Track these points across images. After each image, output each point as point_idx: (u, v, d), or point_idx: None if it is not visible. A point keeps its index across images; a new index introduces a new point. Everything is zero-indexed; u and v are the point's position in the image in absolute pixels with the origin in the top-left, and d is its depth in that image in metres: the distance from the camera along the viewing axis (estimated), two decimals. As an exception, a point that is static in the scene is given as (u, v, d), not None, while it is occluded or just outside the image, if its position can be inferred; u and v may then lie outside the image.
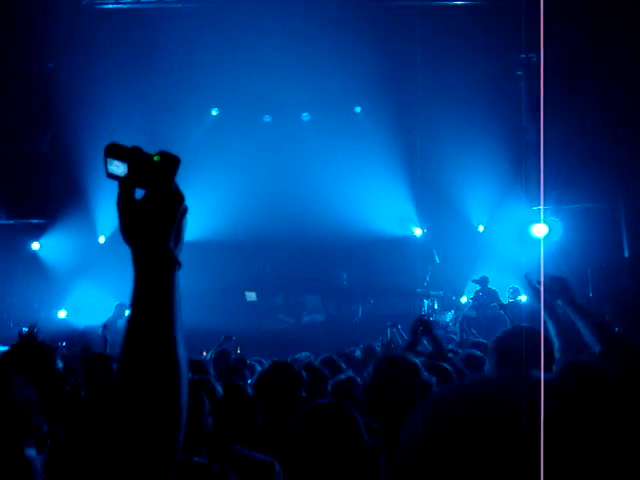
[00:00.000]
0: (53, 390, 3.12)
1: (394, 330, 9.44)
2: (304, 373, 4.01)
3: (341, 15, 13.64)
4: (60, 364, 3.26)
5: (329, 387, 4.34)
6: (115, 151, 1.36)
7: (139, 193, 1.35)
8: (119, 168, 1.35)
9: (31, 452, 1.53)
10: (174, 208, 1.33)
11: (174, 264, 1.31)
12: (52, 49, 13.52)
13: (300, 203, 14.83)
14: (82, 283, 14.92)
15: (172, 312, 1.28)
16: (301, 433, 2.28)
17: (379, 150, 15.28)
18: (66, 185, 14.28)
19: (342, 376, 4.49)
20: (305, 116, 15.89)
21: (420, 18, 13.63)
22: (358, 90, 15.14)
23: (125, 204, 1.33)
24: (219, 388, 3.37)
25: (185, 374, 1.27)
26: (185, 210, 1.35)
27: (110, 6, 13.23)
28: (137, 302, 1.28)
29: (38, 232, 14.55)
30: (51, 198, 13.95)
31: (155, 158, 1.33)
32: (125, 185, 1.33)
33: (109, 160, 1.36)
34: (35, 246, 14.73)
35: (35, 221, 13.99)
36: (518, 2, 12.46)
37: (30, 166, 13.66)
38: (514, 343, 2.95)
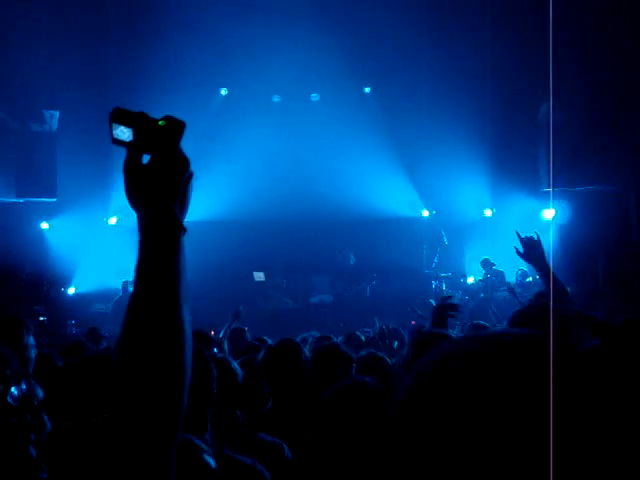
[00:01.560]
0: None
1: (416, 315, 9.49)
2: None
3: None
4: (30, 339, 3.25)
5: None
6: (120, 116, 1.35)
7: (145, 160, 1.35)
8: (124, 133, 1.35)
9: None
10: (179, 172, 1.33)
11: (179, 228, 1.31)
12: (61, 27, 13.46)
13: (308, 183, 14.83)
14: (91, 262, 14.98)
15: (177, 275, 1.28)
16: (342, 412, 2.19)
17: (388, 131, 15.23)
18: (76, 164, 14.26)
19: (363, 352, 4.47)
20: (314, 96, 15.82)
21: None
22: (367, 71, 15.09)
23: (131, 169, 1.33)
24: (236, 365, 3.33)
25: (189, 338, 1.27)
26: (190, 175, 1.35)
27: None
28: (142, 265, 1.29)
29: (47, 211, 14.58)
30: (60, 177, 13.94)
31: (160, 123, 1.33)
32: (131, 150, 1.33)
33: (114, 125, 1.35)
34: (44, 225, 14.76)
35: (44, 200, 13.99)
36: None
37: (39, 145, 13.65)
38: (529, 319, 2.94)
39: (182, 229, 1.32)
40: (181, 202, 1.34)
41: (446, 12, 13.55)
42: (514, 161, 14.64)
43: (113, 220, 15.52)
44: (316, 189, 14.77)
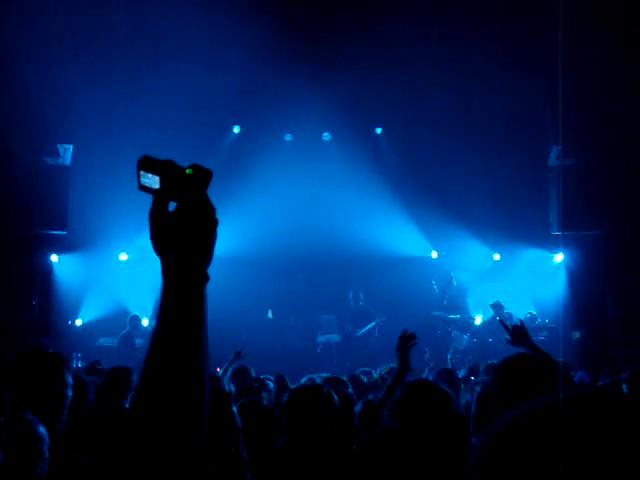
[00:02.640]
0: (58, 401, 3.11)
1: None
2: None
3: (363, 34, 13.68)
4: (69, 378, 3.25)
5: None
6: (148, 164, 1.36)
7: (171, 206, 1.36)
8: (152, 181, 1.36)
9: None
10: (206, 221, 1.34)
11: (203, 278, 1.31)
12: (75, 62, 13.62)
13: (317, 222, 14.83)
14: (98, 296, 15.00)
15: (200, 326, 1.28)
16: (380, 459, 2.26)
17: (398, 172, 15.29)
18: (87, 199, 14.36)
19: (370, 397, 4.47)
20: (326, 136, 15.93)
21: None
22: (379, 111, 15.18)
23: (157, 217, 1.34)
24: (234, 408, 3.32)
25: (209, 392, 1.27)
26: (216, 223, 1.36)
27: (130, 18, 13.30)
28: (165, 315, 1.28)
29: (58, 244, 14.63)
30: (71, 211, 14.03)
31: (187, 171, 1.34)
32: (158, 198, 1.34)
33: (142, 173, 1.36)
34: (54, 258, 14.82)
35: (55, 232, 14.07)
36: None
37: (53, 178, 13.77)
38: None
39: (206, 278, 1.32)
40: (205, 250, 1.34)
41: (456, 54, 13.65)
42: (523, 204, 14.64)
43: (124, 256, 15.56)
44: (325, 228, 14.78)
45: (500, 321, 4.89)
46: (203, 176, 1.34)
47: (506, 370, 3.00)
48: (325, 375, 7.16)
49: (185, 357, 1.25)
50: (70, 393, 3.26)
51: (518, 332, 4.65)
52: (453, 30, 13.26)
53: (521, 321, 4.66)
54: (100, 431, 3.59)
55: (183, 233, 1.31)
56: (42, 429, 2.41)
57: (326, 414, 3.45)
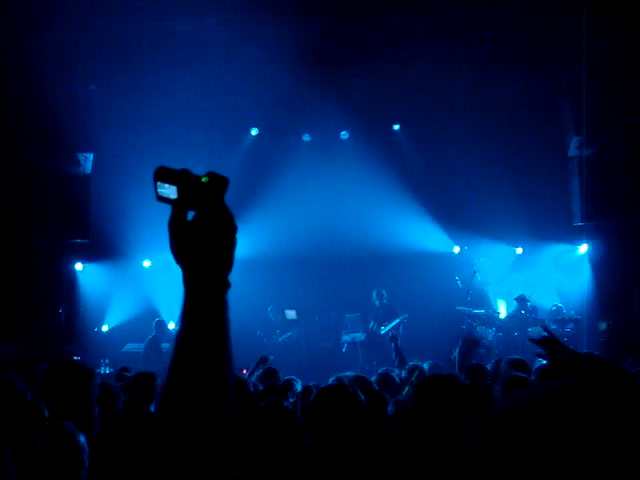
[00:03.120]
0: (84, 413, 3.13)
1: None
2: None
3: (379, 32, 13.66)
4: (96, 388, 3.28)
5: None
6: (164, 174, 1.38)
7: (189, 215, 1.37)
8: (169, 191, 1.37)
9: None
10: (224, 228, 1.34)
11: (225, 285, 1.33)
12: (95, 70, 13.75)
13: (339, 220, 14.83)
14: (123, 303, 15.12)
15: (223, 333, 1.30)
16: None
17: (418, 168, 15.25)
18: (108, 207, 14.46)
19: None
20: (344, 134, 15.91)
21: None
22: (397, 108, 15.15)
23: (176, 226, 1.35)
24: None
25: (234, 397, 1.29)
26: (235, 230, 1.36)
27: (151, 24, 13.36)
28: (188, 323, 1.30)
29: (81, 253, 14.74)
30: (93, 220, 14.13)
31: (203, 179, 1.35)
32: (176, 208, 1.35)
33: (159, 184, 1.38)
34: (78, 267, 14.93)
35: (77, 241, 14.18)
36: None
37: (74, 187, 13.88)
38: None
39: (227, 285, 1.33)
40: (226, 258, 1.35)
41: (476, 47, 13.58)
42: (544, 196, 14.54)
43: (147, 263, 15.66)
44: (346, 226, 14.77)
45: (530, 339, 4.36)
46: (219, 183, 1.35)
47: None
48: (350, 374, 7.14)
49: (209, 364, 1.26)
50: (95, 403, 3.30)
51: (549, 342, 4.09)
52: (469, 20, 13.20)
53: (548, 331, 4.24)
54: (129, 436, 3.61)
55: (203, 242, 1.32)
56: (82, 439, 2.45)
57: (352, 414, 3.43)
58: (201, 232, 1.33)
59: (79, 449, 2.39)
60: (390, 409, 4.54)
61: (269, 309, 14.65)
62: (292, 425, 3.98)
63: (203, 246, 1.32)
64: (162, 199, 1.39)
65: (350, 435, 3.31)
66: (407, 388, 6.75)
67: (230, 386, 1.27)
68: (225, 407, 1.26)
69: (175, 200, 1.37)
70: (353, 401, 3.48)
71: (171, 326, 14.63)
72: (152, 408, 5.08)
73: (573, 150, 14.33)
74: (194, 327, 1.29)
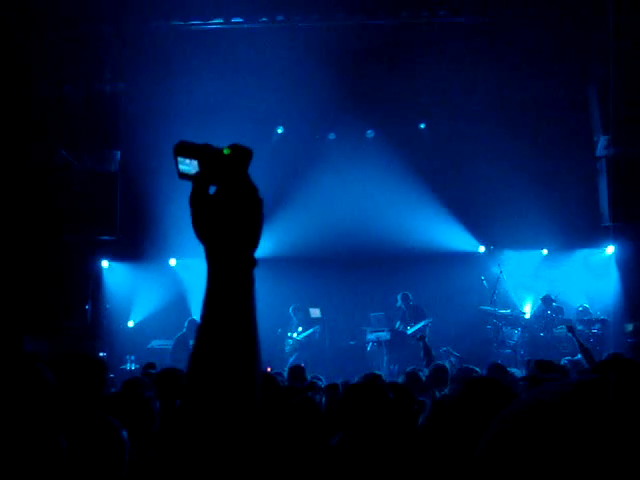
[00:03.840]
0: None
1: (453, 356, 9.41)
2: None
3: (405, 31, 13.65)
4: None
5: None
6: (185, 149, 1.33)
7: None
8: (190, 166, 1.32)
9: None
10: (248, 202, 1.28)
11: (251, 262, 1.26)
12: (123, 69, 13.87)
13: (364, 220, 14.81)
14: (148, 300, 15.22)
15: (250, 313, 1.23)
16: None
17: (443, 167, 15.16)
18: (136, 204, 14.58)
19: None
20: (369, 133, 15.88)
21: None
22: (423, 106, 15.11)
23: (197, 201, 1.29)
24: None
25: (260, 384, 1.23)
26: (260, 203, 1.30)
27: (179, 22, 13.47)
28: (213, 303, 1.24)
29: (107, 251, 14.85)
30: (120, 217, 14.23)
31: (225, 151, 1.29)
32: (198, 181, 1.29)
33: (179, 159, 1.33)
34: (104, 264, 15.05)
35: (104, 238, 14.28)
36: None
37: (100, 185, 13.99)
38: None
39: (254, 263, 1.27)
40: (252, 233, 1.28)
41: (500, 45, 13.52)
42: (571, 196, 14.41)
43: (173, 261, 15.74)
44: (371, 225, 14.76)
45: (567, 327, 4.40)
46: (243, 155, 1.30)
47: None
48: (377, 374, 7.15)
49: (236, 346, 1.20)
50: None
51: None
52: (496, 19, 13.15)
53: (572, 332, 4.24)
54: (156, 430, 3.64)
55: (226, 217, 1.25)
56: (125, 433, 2.46)
57: (381, 409, 3.42)
58: (224, 207, 1.26)
59: (124, 443, 2.41)
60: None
61: (291, 309, 14.66)
62: (321, 421, 3.99)
63: (227, 221, 1.25)
64: (184, 176, 1.33)
65: (379, 431, 3.30)
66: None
67: (258, 372, 1.22)
68: (252, 395, 1.20)
69: (196, 175, 1.31)
70: (382, 397, 3.48)
71: (196, 323, 14.77)
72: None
73: (601, 150, 14.19)
74: (219, 307, 1.22)
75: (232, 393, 1.18)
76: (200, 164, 1.31)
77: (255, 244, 1.29)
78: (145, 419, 3.26)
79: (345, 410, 3.41)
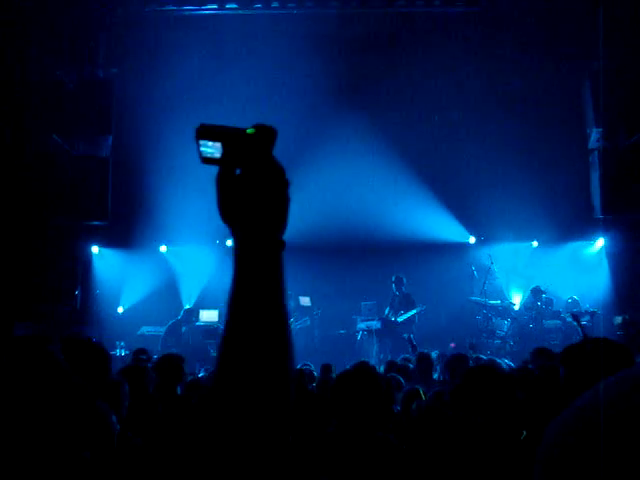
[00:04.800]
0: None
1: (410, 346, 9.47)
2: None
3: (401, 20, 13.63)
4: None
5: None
6: (206, 132, 1.28)
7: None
8: (213, 149, 1.28)
9: None
10: (275, 183, 1.26)
11: (280, 245, 1.25)
12: (116, 54, 13.81)
13: (356, 208, 14.81)
14: (138, 287, 15.19)
15: (282, 295, 1.21)
16: None
17: (435, 159, 15.15)
18: (127, 189, 14.54)
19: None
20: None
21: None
22: (415, 96, 15.05)
23: (224, 184, 1.25)
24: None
25: (294, 370, 1.21)
26: (287, 184, 1.28)
27: (172, 8, 13.40)
28: (243, 287, 1.21)
29: (97, 236, 14.81)
30: (111, 202, 14.19)
31: (249, 131, 1.26)
32: (224, 164, 1.26)
33: (201, 142, 1.28)
34: (94, 249, 15.01)
35: (95, 223, 14.24)
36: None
37: (91, 170, 13.94)
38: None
39: (282, 245, 1.26)
40: (280, 215, 1.27)
41: (494, 37, 13.53)
42: (563, 189, 14.44)
43: (163, 248, 15.71)
44: (364, 214, 14.76)
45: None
46: (267, 135, 1.26)
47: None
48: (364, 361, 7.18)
49: (267, 330, 1.17)
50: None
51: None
52: (491, 10, 13.15)
53: (577, 320, 4.22)
54: (157, 416, 3.64)
55: (253, 199, 1.23)
56: (114, 418, 2.46)
57: (375, 396, 3.43)
58: (251, 188, 1.23)
59: (111, 429, 2.41)
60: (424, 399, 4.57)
61: (307, 299, 14.64)
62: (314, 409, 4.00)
63: (254, 203, 1.23)
64: (207, 160, 1.28)
65: (374, 418, 3.31)
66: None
67: (292, 358, 1.19)
68: (286, 384, 1.17)
69: (220, 159, 1.27)
70: (375, 383, 3.48)
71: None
72: (179, 390, 5.12)
73: (593, 142, 14.23)
74: (249, 292, 1.19)
75: (266, 382, 1.16)
76: (224, 146, 1.27)
77: (283, 226, 1.27)
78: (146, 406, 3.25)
79: (338, 397, 3.42)
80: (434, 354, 7.82)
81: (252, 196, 1.23)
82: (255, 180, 1.24)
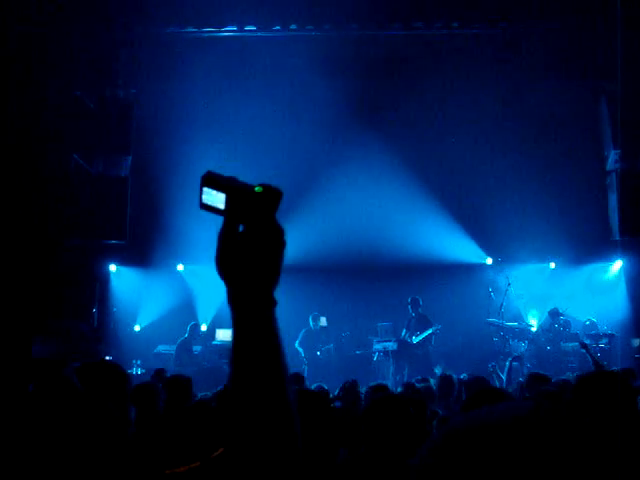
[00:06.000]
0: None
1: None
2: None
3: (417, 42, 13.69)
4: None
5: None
6: (213, 181, 1.28)
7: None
8: (215, 199, 1.28)
9: None
10: (275, 245, 1.28)
11: (271, 303, 1.27)
12: (136, 75, 13.94)
13: (373, 230, 14.82)
14: (155, 305, 15.25)
15: (278, 351, 1.26)
16: None
17: (452, 180, 15.14)
18: (145, 209, 14.65)
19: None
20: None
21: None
22: (432, 117, 15.07)
23: (227, 239, 1.27)
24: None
25: (295, 411, 1.25)
26: (284, 246, 1.30)
27: (192, 30, 13.53)
28: (240, 344, 1.25)
29: (115, 255, 14.90)
30: (130, 222, 14.28)
31: (257, 189, 1.26)
32: (229, 219, 1.27)
33: (206, 189, 1.28)
34: (112, 268, 15.10)
35: (113, 242, 14.33)
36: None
37: (111, 189, 14.06)
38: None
39: (274, 303, 1.28)
40: (274, 274, 1.29)
41: (512, 58, 13.57)
42: (581, 210, 14.39)
43: (180, 267, 15.78)
44: (380, 236, 14.77)
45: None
46: (273, 196, 1.26)
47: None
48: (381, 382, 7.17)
49: (267, 388, 1.22)
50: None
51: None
52: (504, 28, 13.18)
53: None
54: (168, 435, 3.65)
55: (252, 257, 1.25)
56: None
57: (406, 424, 3.44)
58: (251, 247, 1.25)
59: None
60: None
61: (310, 318, 14.60)
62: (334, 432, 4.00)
63: (252, 263, 1.25)
64: (206, 207, 1.29)
65: (404, 444, 3.32)
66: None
67: (289, 401, 1.23)
68: (288, 425, 1.22)
69: (225, 210, 1.27)
70: (406, 411, 3.49)
71: (203, 328, 14.83)
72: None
73: (611, 164, 14.19)
74: (245, 349, 1.24)
75: (267, 428, 1.20)
76: (228, 199, 1.27)
77: (275, 285, 1.30)
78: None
79: (370, 423, 3.43)
80: (461, 376, 7.79)
81: (253, 256, 1.25)
82: (257, 240, 1.26)
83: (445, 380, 7.18)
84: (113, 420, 1.49)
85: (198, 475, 1.87)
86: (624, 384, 3.00)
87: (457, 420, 0.92)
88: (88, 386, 3.05)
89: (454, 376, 7.50)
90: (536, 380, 6.18)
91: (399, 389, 7.83)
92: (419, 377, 8.83)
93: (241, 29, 13.32)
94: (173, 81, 13.93)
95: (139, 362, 13.03)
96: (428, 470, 0.87)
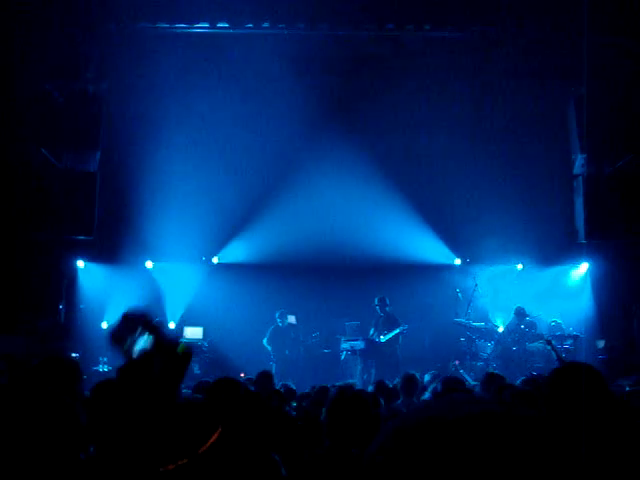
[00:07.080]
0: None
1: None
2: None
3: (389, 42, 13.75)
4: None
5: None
6: (146, 324, 1.47)
7: None
8: (142, 340, 1.45)
9: None
10: (177, 390, 1.47)
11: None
12: (106, 69, 13.85)
13: (341, 229, 14.85)
14: (125, 302, 15.13)
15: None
16: None
17: (421, 180, 15.21)
18: (114, 204, 14.53)
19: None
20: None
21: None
22: (401, 119, 15.12)
23: (139, 374, 1.48)
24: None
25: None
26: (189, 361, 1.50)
27: (164, 25, 13.46)
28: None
29: (83, 251, 14.76)
30: (98, 217, 14.17)
31: (179, 349, 1.46)
32: (147, 359, 1.47)
33: (141, 329, 1.47)
34: (79, 264, 14.96)
35: (80, 238, 14.20)
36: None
37: (78, 184, 13.92)
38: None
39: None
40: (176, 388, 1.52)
41: (481, 62, 13.70)
42: (548, 213, 14.57)
43: (149, 264, 15.65)
44: (349, 235, 14.79)
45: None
46: (189, 358, 1.46)
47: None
48: (351, 382, 7.21)
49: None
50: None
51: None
52: (479, 34, 13.29)
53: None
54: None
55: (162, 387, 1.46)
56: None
57: (369, 419, 3.49)
58: (162, 384, 1.45)
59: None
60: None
61: (277, 315, 14.57)
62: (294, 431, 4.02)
63: (162, 389, 1.46)
64: (119, 339, 1.46)
65: (367, 438, 3.35)
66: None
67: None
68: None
69: (147, 351, 1.43)
70: (368, 405, 3.55)
71: (171, 325, 14.77)
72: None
73: (578, 168, 14.37)
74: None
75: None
76: (155, 343, 1.44)
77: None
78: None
79: (333, 421, 3.48)
80: (428, 375, 7.86)
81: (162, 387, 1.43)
82: (166, 382, 1.45)
83: (408, 378, 7.23)
84: (65, 414, 1.54)
85: (188, 471, 1.90)
86: (596, 374, 3.05)
87: (404, 416, 0.95)
88: (41, 382, 3.04)
89: (417, 375, 7.55)
90: (492, 379, 6.33)
91: (370, 388, 7.86)
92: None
93: (213, 26, 13.27)
94: (144, 77, 13.83)
95: (105, 359, 12.94)
96: (378, 466, 0.90)
